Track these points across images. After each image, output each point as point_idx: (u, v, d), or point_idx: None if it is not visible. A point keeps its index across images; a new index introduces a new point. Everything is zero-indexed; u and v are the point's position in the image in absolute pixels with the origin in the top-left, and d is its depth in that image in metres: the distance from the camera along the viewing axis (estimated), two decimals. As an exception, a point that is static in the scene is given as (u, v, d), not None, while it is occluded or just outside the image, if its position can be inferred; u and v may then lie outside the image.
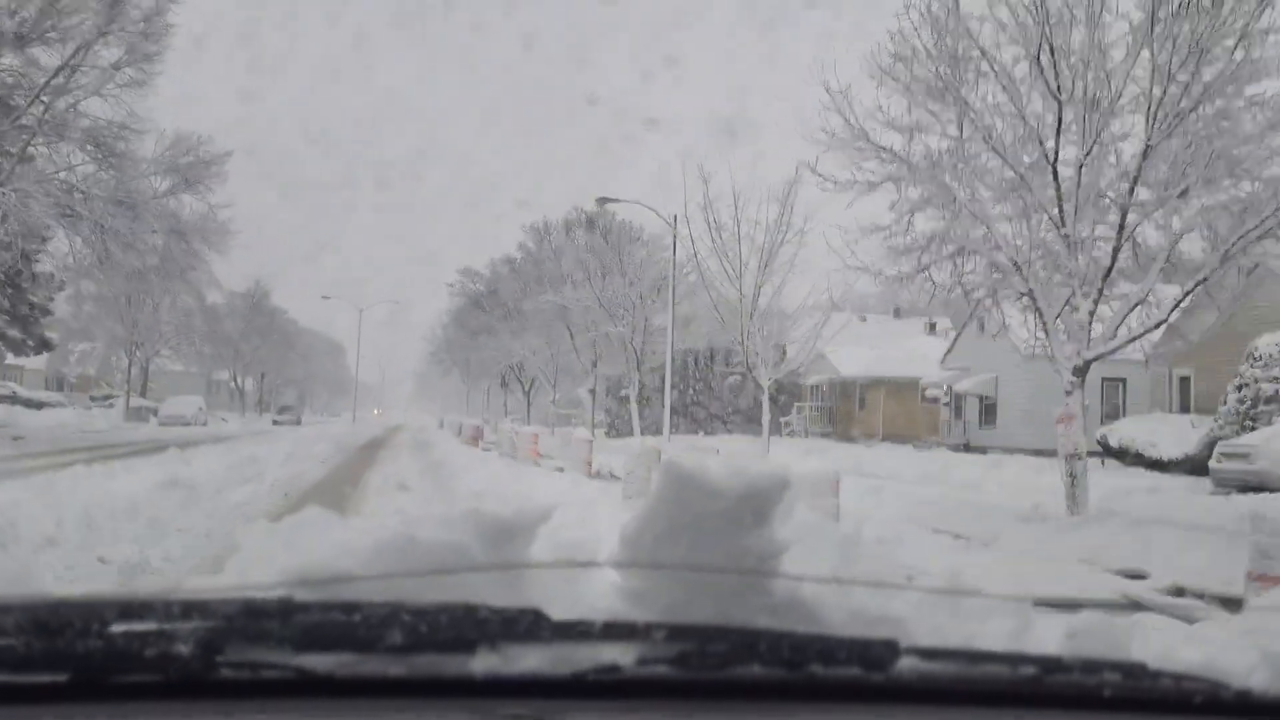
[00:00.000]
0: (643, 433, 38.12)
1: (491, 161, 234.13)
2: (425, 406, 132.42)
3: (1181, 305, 12.01)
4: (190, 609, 1.33)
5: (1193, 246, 12.69)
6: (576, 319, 41.11)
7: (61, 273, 37.18)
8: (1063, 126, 11.65)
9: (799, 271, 24.46)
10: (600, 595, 1.72)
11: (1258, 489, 15.06)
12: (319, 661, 1.34)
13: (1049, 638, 1.77)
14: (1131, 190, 11.35)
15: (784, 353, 26.47)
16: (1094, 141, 11.59)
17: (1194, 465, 21.06)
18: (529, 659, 1.38)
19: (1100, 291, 11.81)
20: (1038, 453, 28.10)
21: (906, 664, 1.44)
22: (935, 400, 40.18)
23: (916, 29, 12.34)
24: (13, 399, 45.17)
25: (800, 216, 24.00)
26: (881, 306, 56.63)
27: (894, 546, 8.29)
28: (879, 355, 44.16)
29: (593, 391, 45.41)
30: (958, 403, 38.33)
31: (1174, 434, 22.72)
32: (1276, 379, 20.28)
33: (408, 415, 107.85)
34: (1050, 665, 1.50)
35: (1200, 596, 7.56)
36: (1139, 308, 12.11)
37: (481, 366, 61.95)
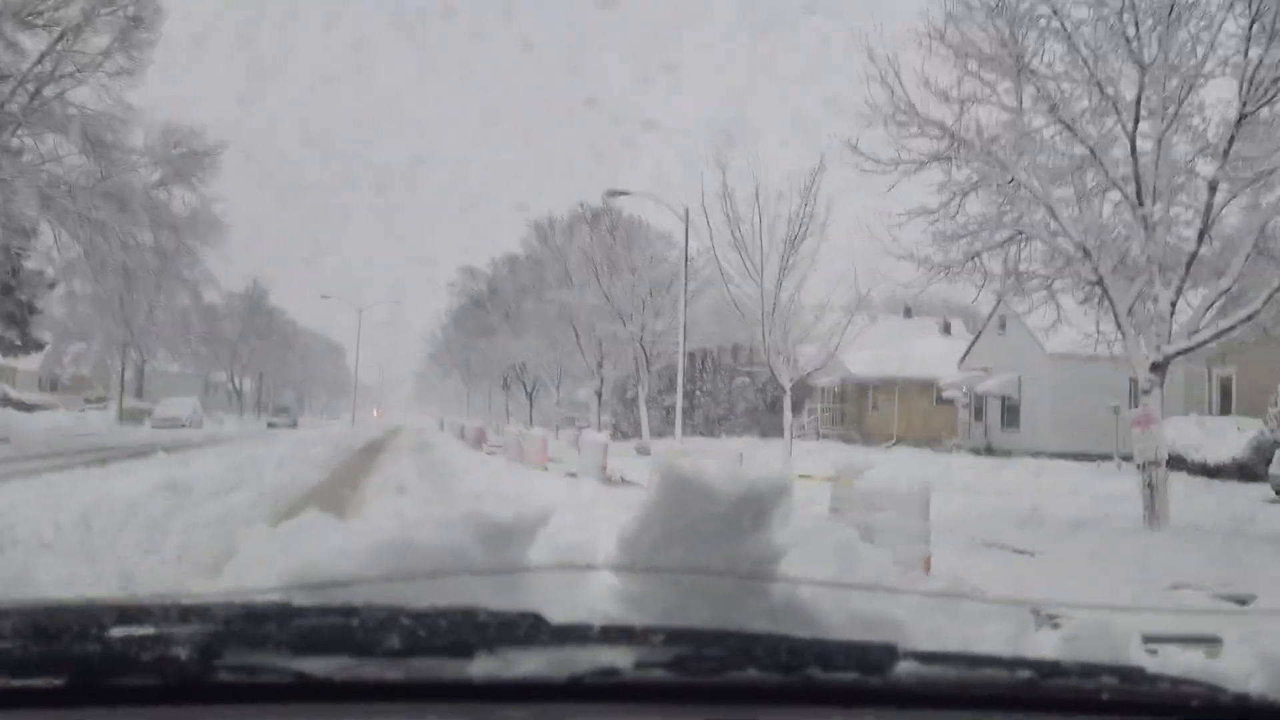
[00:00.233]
0: (651, 435, 37.05)
1: (490, 164, 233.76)
2: (425, 408, 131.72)
3: (1276, 296, 10.73)
4: (188, 613, 1.35)
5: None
6: (581, 318, 40.03)
7: (52, 271, 36.18)
8: (1142, 95, 10.49)
9: (820, 266, 23.49)
10: (598, 598, 1.70)
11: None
12: (317, 665, 1.32)
13: (1047, 642, 1.82)
14: (1222, 164, 10.16)
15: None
16: (1175, 112, 10.43)
17: (1243, 470, 20.26)
18: (527, 662, 1.37)
19: (1183, 280, 10.62)
20: (1066, 456, 26.94)
21: (905, 668, 1.42)
22: (953, 402, 39.22)
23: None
24: (3, 401, 44.33)
25: (823, 208, 23.05)
26: (890, 306, 55.53)
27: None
28: (892, 355, 43.09)
29: (599, 393, 44.37)
30: (978, 404, 37.33)
31: (1219, 437, 21.76)
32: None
33: (407, 417, 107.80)
34: (1048, 669, 1.49)
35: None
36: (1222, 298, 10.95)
37: (482, 367, 61.25)
